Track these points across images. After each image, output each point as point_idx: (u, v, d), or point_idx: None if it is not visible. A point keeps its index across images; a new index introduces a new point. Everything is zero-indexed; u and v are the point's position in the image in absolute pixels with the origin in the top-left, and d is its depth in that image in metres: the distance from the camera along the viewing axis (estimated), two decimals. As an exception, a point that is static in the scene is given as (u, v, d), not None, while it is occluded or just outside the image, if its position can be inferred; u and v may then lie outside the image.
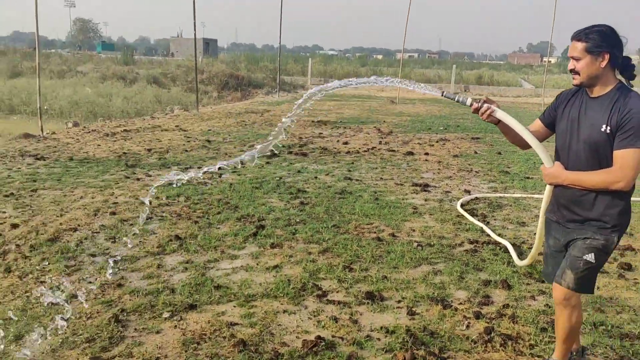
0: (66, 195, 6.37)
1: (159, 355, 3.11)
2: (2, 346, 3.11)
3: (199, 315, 3.60)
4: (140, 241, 4.92)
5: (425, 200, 6.69)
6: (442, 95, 2.82)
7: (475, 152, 10.25)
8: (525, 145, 2.74)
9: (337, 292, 4.02)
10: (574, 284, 2.64)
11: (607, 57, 2.49)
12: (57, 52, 45.07)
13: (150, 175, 7.54)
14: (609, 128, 2.50)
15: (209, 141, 10.60)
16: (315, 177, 7.71)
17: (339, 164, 8.76)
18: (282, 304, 3.80)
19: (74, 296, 3.80)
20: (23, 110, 16.02)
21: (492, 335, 3.40)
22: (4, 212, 5.60)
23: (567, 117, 2.69)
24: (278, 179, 7.51)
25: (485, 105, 2.66)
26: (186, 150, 9.56)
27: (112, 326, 3.39)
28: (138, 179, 7.29)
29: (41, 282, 4.03)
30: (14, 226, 5.17)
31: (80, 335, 3.30)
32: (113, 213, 5.70)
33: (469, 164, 9.09)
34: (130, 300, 3.78)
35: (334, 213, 5.95)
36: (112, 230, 5.18)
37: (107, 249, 4.71)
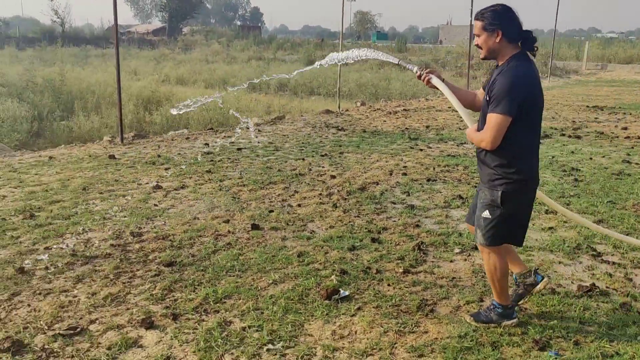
0: (365, 158, 7.77)
1: (454, 276, 3.99)
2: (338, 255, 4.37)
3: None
4: (429, 196, 5.90)
5: None
6: (398, 63, 3.41)
7: None
8: (466, 106, 3.18)
9: (612, 255, 4.37)
10: (482, 239, 3.07)
11: (499, 33, 2.84)
12: (341, 43, 50.20)
13: (430, 147, 8.55)
14: (487, 95, 2.87)
15: (481, 121, 11.20)
16: (590, 159, 7.73)
17: (616, 148, 8.53)
18: (557, 257, 4.33)
19: (384, 228, 4.95)
20: (320, 92, 18.89)
21: None
22: (323, 167, 7.20)
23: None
24: (551, 157, 7.77)
25: (424, 73, 3.15)
26: (460, 129, 10.34)
27: (416, 252, 4.39)
28: (421, 150, 8.36)
29: (357, 216, 5.29)
30: (333, 177, 6.67)
31: (393, 254, 4.37)
32: (404, 174, 6.82)
33: None
34: (427, 237, 4.75)
35: (609, 191, 6.07)
36: (405, 187, 6.27)
37: (403, 200, 5.81)
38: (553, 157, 7.83)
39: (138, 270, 3.97)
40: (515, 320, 3.24)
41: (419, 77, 3.21)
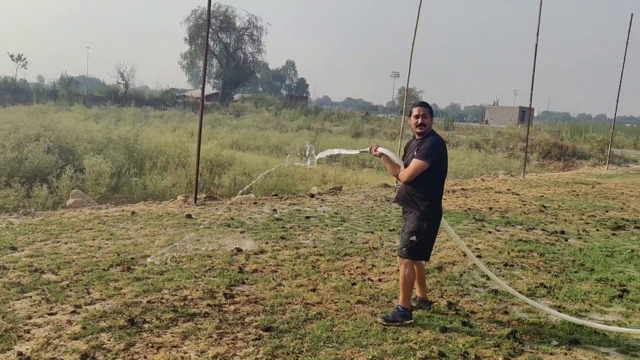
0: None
1: (558, 370, 3.87)
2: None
3: (584, 351, 4.23)
4: (510, 283, 5.81)
5: None
6: (359, 152, 5.18)
7: None
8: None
9: None
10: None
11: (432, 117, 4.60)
12: (387, 117, 51.41)
13: (498, 230, 8.48)
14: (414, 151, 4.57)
15: (544, 206, 11.08)
16: (672, 253, 7.51)
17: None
18: None
19: (472, 312, 4.87)
20: (372, 165, 19.19)
21: None
22: (394, 242, 7.21)
23: None
24: (630, 251, 7.58)
25: (374, 146, 4.68)
26: (524, 213, 10.25)
27: (511, 341, 4.28)
28: (489, 232, 8.29)
29: (441, 297, 5.24)
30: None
31: (488, 341, 4.28)
32: (479, 256, 6.76)
33: None
34: (518, 325, 4.65)
35: (701, 292, 5.85)
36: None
37: (484, 284, 5.74)
38: (632, 250, 7.64)
39: (238, 332, 4.01)
40: (412, 321, 4.47)
41: (370, 151, 4.68)
